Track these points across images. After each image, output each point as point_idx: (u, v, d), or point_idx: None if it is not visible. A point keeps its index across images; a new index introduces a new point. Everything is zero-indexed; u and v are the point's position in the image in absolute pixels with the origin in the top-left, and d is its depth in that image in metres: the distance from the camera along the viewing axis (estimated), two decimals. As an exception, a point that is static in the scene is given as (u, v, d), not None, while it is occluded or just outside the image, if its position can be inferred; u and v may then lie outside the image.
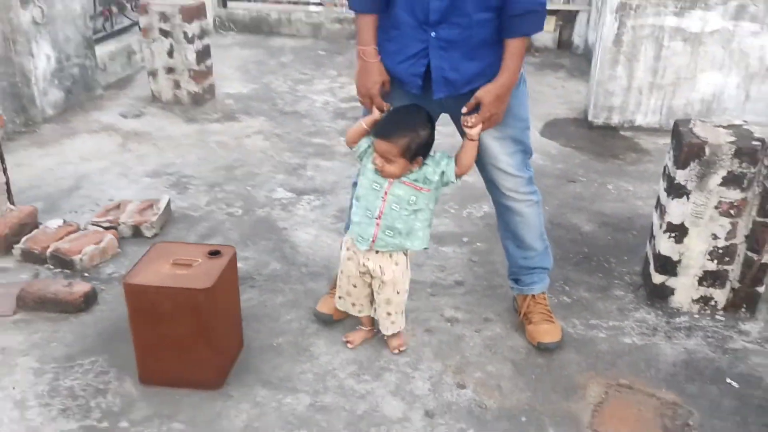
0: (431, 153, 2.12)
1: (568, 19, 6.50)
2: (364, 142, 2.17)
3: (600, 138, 4.38)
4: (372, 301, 2.32)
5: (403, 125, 2.04)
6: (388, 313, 2.28)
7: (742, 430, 2.04)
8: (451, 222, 3.27)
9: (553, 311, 2.50)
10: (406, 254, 2.24)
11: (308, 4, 7.05)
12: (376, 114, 2.14)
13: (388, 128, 2.06)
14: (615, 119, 4.49)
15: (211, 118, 4.60)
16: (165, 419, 2.05)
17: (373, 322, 2.38)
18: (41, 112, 4.33)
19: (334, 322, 2.47)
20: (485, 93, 2.01)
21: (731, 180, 2.37)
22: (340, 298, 2.35)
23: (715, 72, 4.30)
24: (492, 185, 2.31)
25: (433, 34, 2.01)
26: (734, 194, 2.39)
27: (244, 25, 6.80)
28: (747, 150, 2.33)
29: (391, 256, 2.20)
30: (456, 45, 2.02)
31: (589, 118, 4.55)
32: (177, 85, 4.72)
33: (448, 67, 2.05)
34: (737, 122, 2.50)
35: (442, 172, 2.10)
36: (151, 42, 4.63)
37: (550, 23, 6.48)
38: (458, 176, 2.13)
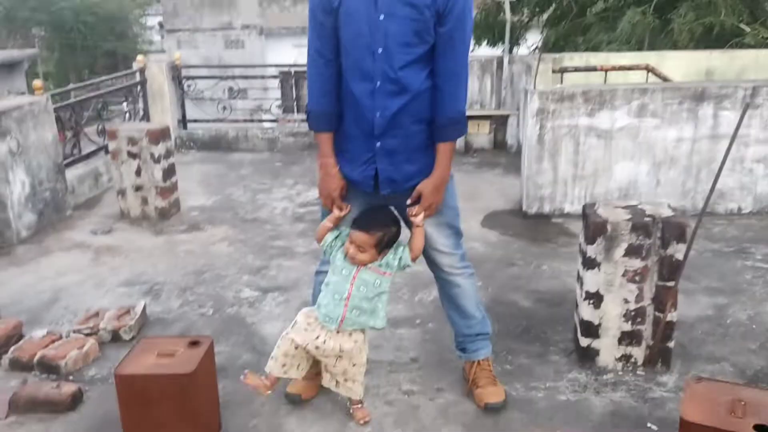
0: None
1: (501, 122, 7.18)
2: (330, 237, 2.56)
3: (534, 226, 4.87)
4: (313, 364, 2.63)
5: (380, 222, 2.45)
6: (345, 379, 2.59)
7: (660, 464, 2.37)
8: (404, 307, 3.63)
9: (498, 377, 2.83)
10: (363, 332, 2.58)
11: (262, 121, 7.62)
12: (337, 213, 2.53)
13: (367, 223, 2.45)
14: (546, 208, 5.00)
15: (178, 230, 4.94)
16: (154, 498, 2.27)
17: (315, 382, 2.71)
18: (16, 234, 4.62)
19: (303, 401, 2.75)
20: (424, 186, 2.45)
21: (632, 251, 2.81)
22: (273, 359, 2.58)
23: (628, 162, 4.89)
24: (434, 264, 2.71)
25: (378, 144, 2.45)
26: (636, 263, 2.83)
27: (204, 144, 7.29)
28: (641, 225, 2.79)
29: (350, 334, 2.54)
30: (397, 152, 2.45)
31: (524, 208, 5.06)
32: (145, 201, 5.08)
33: (392, 170, 2.47)
34: (633, 203, 2.98)
35: (400, 258, 2.50)
36: (120, 164, 5.03)
37: (485, 127, 7.16)
38: (413, 260, 2.53)
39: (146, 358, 2.42)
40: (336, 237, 2.54)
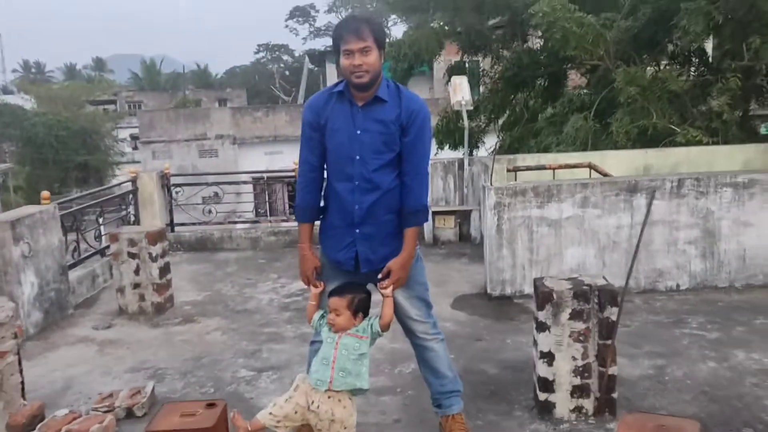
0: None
1: (464, 217, 7.87)
2: (316, 316, 3.06)
3: (498, 306, 5.42)
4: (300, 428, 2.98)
5: (349, 289, 2.94)
6: None
7: (608, 490, 2.83)
8: (386, 378, 4.09)
9: (470, 431, 3.29)
10: (351, 398, 2.99)
11: (245, 222, 8.20)
12: (314, 291, 3.07)
13: (339, 290, 2.95)
14: (507, 290, 5.57)
15: (174, 323, 5.37)
16: None
17: None
18: (25, 331, 4.99)
19: (302, 456, 3.16)
20: (393, 264, 2.97)
21: (575, 315, 3.37)
22: (272, 415, 2.90)
23: (576, 247, 5.54)
24: (410, 332, 3.22)
25: (357, 231, 3.01)
26: (579, 325, 3.38)
27: (191, 245, 7.80)
28: (581, 293, 3.37)
29: (340, 400, 2.94)
30: (373, 237, 3.01)
31: (488, 291, 5.63)
32: (142, 297, 5.53)
33: (369, 252, 3.02)
34: (574, 276, 3.58)
35: (371, 325, 2.95)
36: (120, 263, 5.51)
37: (450, 221, 7.83)
38: (383, 327, 2.93)
39: (172, 418, 2.85)
40: (321, 316, 3.02)
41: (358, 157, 2.94)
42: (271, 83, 51.64)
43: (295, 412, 2.92)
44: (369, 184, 2.95)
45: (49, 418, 3.57)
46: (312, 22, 53.85)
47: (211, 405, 2.93)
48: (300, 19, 53.86)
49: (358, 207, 2.97)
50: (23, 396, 3.66)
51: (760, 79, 8.07)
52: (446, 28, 12.04)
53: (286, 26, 51.57)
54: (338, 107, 2.97)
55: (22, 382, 3.66)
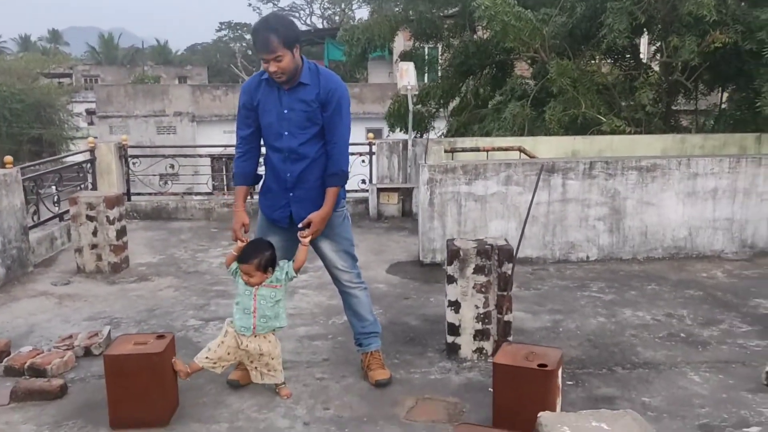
0: (278, 263, 3.49)
1: (407, 194, 8.44)
2: (234, 265, 3.51)
3: (428, 272, 6.01)
4: (234, 364, 3.59)
5: (254, 252, 3.41)
6: (268, 370, 3.52)
7: (489, 411, 3.43)
8: (320, 327, 4.63)
9: (388, 367, 3.85)
10: (273, 333, 3.53)
11: (198, 194, 8.61)
12: (238, 245, 3.49)
13: (245, 256, 3.41)
14: (437, 258, 6.16)
15: (129, 281, 5.82)
16: (132, 444, 3.15)
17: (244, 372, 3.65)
18: (-12, 283, 5.38)
19: (241, 385, 3.69)
20: (314, 216, 3.47)
21: (478, 270, 3.96)
22: (207, 358, 3.45)
23: (500, 220, 6.15)
24: (338, 281, 3.77)
25: (291, 194, 3.55)
26: (482, 279, 3.97)
27: (146, 214, 8.20)
28: (483, 251, 3.96)
29: (265, 337, 3.47)
30: (304, 199, 3.54)
31: (420, 259, 6.21)
32: (99, 257, 5.95)
33: (302, 212, 3.53)
34: (480, 237, 4.17)
35: (286, 272, 3.47)
36: (79, 225, 5.91)
37: (394, 198, 8.39)
38: (296, 271, 3.48)
39: (126, 345, 3.34)
40: (237, 266, 3.47)
41: (286, 133, 3.46)
42: (232, 62, 51.32)
43: (228, 353, 3.47)
44: (297, 155, 3.47)
45: (15, 353, 4.02)
46: (275, 2, 53.58)
47: (160, 336, 3.42)
48: (263, -3, 53.50)
49: (289, 174, 3.50)
50: (-9, 334, 4.09)
51: (677, 76, 8.78)
52: (402, 14, 12.51)
53: (249, 5, 51.21)
54: (267, 91, 3.47)
55: (-10, 322, 4.09)
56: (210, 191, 8.42)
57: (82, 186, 7.79)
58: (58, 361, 3.91)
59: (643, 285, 5.52)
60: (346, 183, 3.63)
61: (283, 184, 3.53)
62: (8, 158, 6.04)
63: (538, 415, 1.91)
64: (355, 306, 3.79)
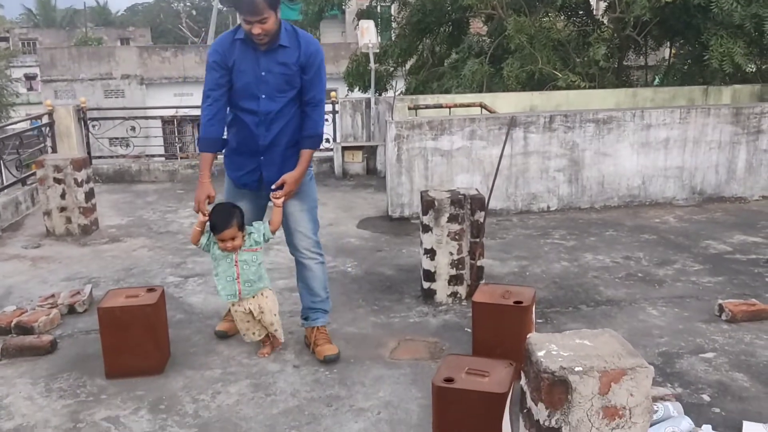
0: (252, 225, 3.44)
1: (371, 152, 8.57)
2: (203, 239, 3.39)
3: (397, 225, 6.20)
4: (262, 327, 3.54)
5: (228, 214, 3.31)
6: (275, 329, 3.55)
7: (469, 347, 3.65)
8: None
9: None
10: (270, 289, 3.59)
11: (158, 156, 8.56)
12: (201, 218, 3.34)
13: (222, 223, 3.29)
14: (406, 212, 6.35)
15: (101, 242, 5.84)
16: (129, 391, 3.27)
17: (268, 337, 3.62)
18: (-43, 249, 5.33)
19: (228, 336, 3.83)
20: (288, 176, 3.37)
21: (452, 218, 4.16)
22: (244, 335, 3.53)
23: (465, 174, 6.35)
24: (294, 248, 3.60)
25: (262, 158, 3.43)
26: (455, 227, 4.17)
27: (109, 177, 8.13)
28: (456, 200, 4.15)
29: (262, 294, 3.48)
30: (276, 162, 3.43)
31: (389, 213, 6.39)
32: (69, 220, 5.93)
33: (273, 175, 3.42)
34: (453, 188, 4.36)
35: (263, 234, 3.43)
36: (47, 188, 5.87)
37: (358, 156, 8.51)
38: (273, 232, 3.45)
39: (118, 298, 3.43)
40: (208, 238, 3.37)
41: (263, 96, 3.33)
42: (177, 23, 49.88)
43: (248, 321, 3.49)
44: (272, 118, 3.35)
45: (0, 313, 4.06)
46: (220, -40, 51.99)
47: (151, 290, 3.52)
48: (208, -45, 51.83)
49: (262, 137, 3.37)
50: (-27, 295, 4.11)
51: (629, 31, 9.07)
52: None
53: (193, -37, 49.67)
54: (243, 50, 3.30)
55: (-28, 283, 4.10)
56: (166, 154, 8.35)
57: (42, 150, 7.66)
58: (44, 319, 3.97)
59: (602, 231, 5.83)
60: (320, 146, 3.61)
61: (255, 147, 3.41)
62: (-32, 122, 5.91)
63: (528, 335, 2.11)
64: (308, 279, 3.64)
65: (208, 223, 3.36)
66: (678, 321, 3.98)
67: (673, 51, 10.97)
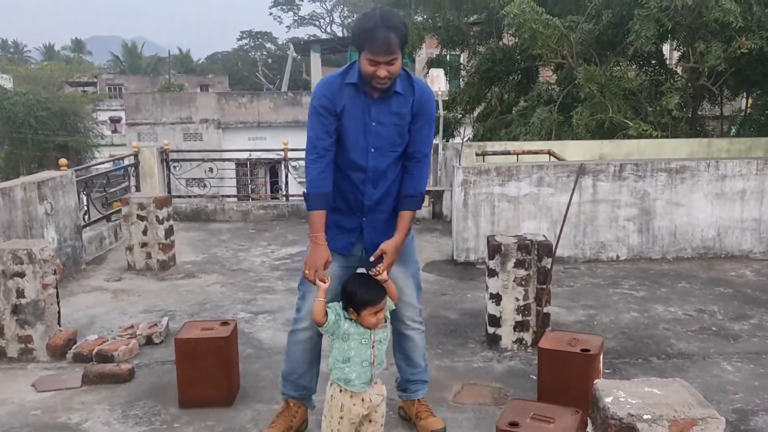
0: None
1: (438, 197, 8.67)
2: (332, 316, 2.74)
3: (462, 270, 6.23)
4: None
5: (376, 287, 2.77)
6: (382, 422, 2.85)
7: (534, 394, 3.62)
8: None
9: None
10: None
11: (232, 196, 8.90)
12: (322, 286, 2.77)
13: (379, 292, 2.75)
14: (471, 257, 6.37)
15: (177, 277, 6.10)
16: (201, 421, 3.40)
17: None
18: (46, 279, 5.67)
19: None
20: (387, 246, 2.89)
21: (519, 264, 4.17)
22: None
23: (532, 221, 6.35)
24: (396, 318, 3.10)
25: (364, 219, 3.00)
26: (522, 272, 4.18)
27: (186, 215, 8.50)
28: (523, 246, 4.17)
29: (377, 381, 2.84)
30: (379, 225, 3.01)
31: (454, 258, 6.43)
32: (149, 255, 6.23)
33: (375, 238, 2.98)
34: (520, 234, 4.38)
35: (386, 306, 2.81)
36: (130, 225, 6.21)
37: (425, 201, 8.61)
38: (393, 301, 2.88)
39: (193, 331, 3.59)
40: (336, 314, 2.75)
41: (372, 150, 2.90)
42: (253, 70, 52.01)
43: (352, 423, 2.76)
44: (381, 176, 2.94)
45: (82, 341, 4.31)
46: (296, 11, 54.26)
47: (224, 323, 3.67)
48: (284, 7, 54.19)
49: (368, 196, 2.96)
50: (59, 323, 4.37)
51: (703, 81, 8.93)
52: (429, 21, 12.78)
53: (270, 14, 51.93)
54: (353, 97, 2.88)
55: (59, 312, 4.37)
56: (239, 195, 8.70)
57: (127, 189, 8.11)
58: (123, 348, 4.18)
59: (674, 283, 5.69)
60: (421, 206, 3.12)
61: (358, 207, 2.99)
62: (63, 161, 6.36)
63: (594, 382, 2.11)
64: (408, 350, 3.24)
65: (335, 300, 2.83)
66: (754, 377, 3.83)
67: (749, 101, 10.69)
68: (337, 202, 2.98)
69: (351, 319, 2.75)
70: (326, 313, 2.74)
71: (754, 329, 4.59)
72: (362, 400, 2.74)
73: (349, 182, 2.97)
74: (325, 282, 2.78)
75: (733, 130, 10.91)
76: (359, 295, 2.74)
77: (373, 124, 2.89)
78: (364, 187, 2.96)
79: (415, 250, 3.21)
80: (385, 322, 2.81)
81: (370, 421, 2.80)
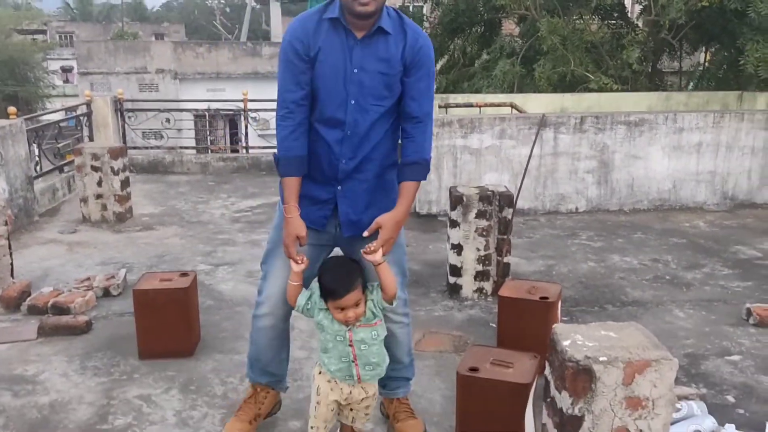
0: (367, 288, 2.43)
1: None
2: (302, 300, 2.43)
3: (425, 222, 6.25)
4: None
5: (349, 277, 2.34)
6: (366, 414, 2.58)
7: (493, 341, 3.69)
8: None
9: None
10: None
11: (191, 148, 8.72)
12: (295, 267, 2.42)
13: (344, 284, 2.31)
14: (434, 209, 6.39)
15: (135, 230, 5.98)
16: (161, 371, 3.37)
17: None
18: (-3, 231, 5.50)
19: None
20: (386, 219, 2.38)
21: (480, 214, 4.19)
22: (312, 428, 2.49)
23: (494, 173, 6.37)
24: None
25: (339, 188, 2.48)
26: (483, 223, 4.21)
27: (143, 167, 8.30)
28: (485, 197, 4.18)
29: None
30: (358, 196, 2.49)
31: (417, 209, 6.43)
32: (104, 207, 6.08)
33: (352, 212, 2.48)
34: (481, 184, 4.39)
35: (376, 303, 2.40)
36: (84, 176, 6.03)
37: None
38: (389, 300, 2.41)
39: (152, 282, 3.53)
40: (308, 298, 2.44)
41: (353, 102, 2.41)
42: (211, 20, 50.50)
43: (332, 410, 2.51)
44: (362, 134, 2.44)
45: (37, 293, 4.21)
46: (255, -42, 52.56)
47: (184, 274, 3.61)
48: (243, -47, 52.41)
49: (345, 161, 2.46)
50: (12, 275, 4.26)
51: (664, 34, 8.99)
52: (390, -29, 12.51)
53: (228, -39, 50.29)
54: (331, 37, 2.40)
55: (12, 264, 4.25)
56: (198, 147, 8.52)
57: (79, 139, 7.85)
58: (80, 300, 4.09)
59: (630, 234, 5.81)
60: (426, 176, 2.56)
61: (332, 172, 2.49)
62: (12, 109, 6.11)
63: (553, 326, 2.15)
64: (390, 345, 2.65)
65: (312, 279, 2.49)
66: (705, 324, 3.96)
67: (708, 56, 10.83)
68: (311, 169, 2.50)
69: (326, 309, 2.40)
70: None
71: (706, 278, 4.73)
72: (341, 389, 2.46)
73: (323, 143, 2.47)
74: (299, 263, 2.43)
75: (691, 85, 11.05)
76: (323, 282, 2.39)
77: (355, 70, 2.40)
78: (341, 149, 2.45)
79: (403, 232, 2.61)
80: (374, 318, 2.42)
81: (351, 409, 2.55)
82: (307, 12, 2.48)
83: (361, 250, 2.38)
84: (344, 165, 2.46)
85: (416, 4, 14.19)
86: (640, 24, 10.35)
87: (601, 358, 1.94)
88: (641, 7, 10.25)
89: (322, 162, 2.48)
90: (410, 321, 2.79)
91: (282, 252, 2.51)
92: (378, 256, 2.34)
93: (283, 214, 2.52)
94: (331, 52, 2.40)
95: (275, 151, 2.55)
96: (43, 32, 46.83)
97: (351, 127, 2.43)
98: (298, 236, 2.44)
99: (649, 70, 9.99)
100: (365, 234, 2.42)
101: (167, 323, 3.45)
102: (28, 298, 4.13)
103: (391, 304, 2.44)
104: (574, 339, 2.05)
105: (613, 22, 10.45)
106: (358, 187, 2.49)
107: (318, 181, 2.51)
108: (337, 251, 2.66)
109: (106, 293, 4.36)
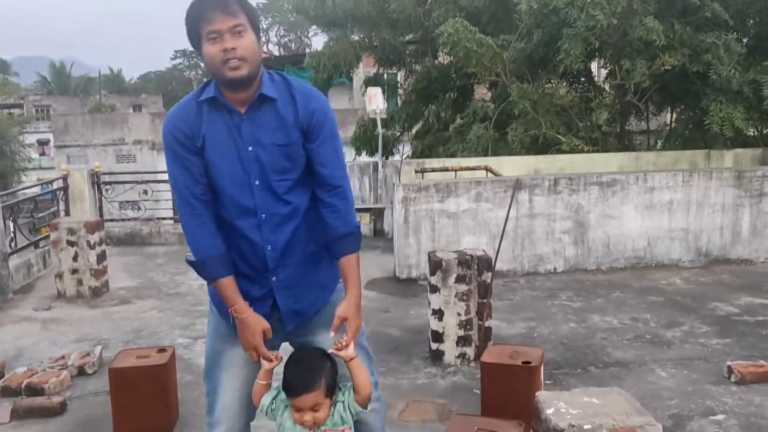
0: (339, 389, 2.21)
1: (378, 214, 8.69)
2: (267, 399, 2.21)
3: (405, 286, 6.24)
4: None
5: (313, 370, 2.13)
6: None
7: (478, 408, 3.64)
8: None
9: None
10: None
11: (168, 218, 8.69)
12: (266, 365, 2.18)
13: (304, 382, 2.11)
14: (413, 273, 6.40)
15: (111, 304, 5.89)
16: (138, 453, 3.27)
17: None
18: (-31, 310, 5.39)
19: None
20: (346, 309, 2.16)
21: (460, 279, 4.21)
22: None
23: (471, 236, 6.43)
24: None
25: (273, 278, 2.22)
26: (463, 287, 4.22)
27: (120, 240, 8.24)
28: (464, 261, 4.21)
29: None
30: (296, 281, 2.24)
31: (396, 274, 6.44)
32: (80, 282, 6.00)
33: (293, 302, 2.25)
34: (460, 249, 4.42)
35: (348, 405, 2.18)
36: (60, 251, 5.97)
37: (366, 218, 8.62)
38: (361, 403, 2.18)
39: (128, 359, 3.47)
40: (274, 398, 2.22)
41: (257, 182, 2.18)
42: (188, 90, 51.19)
43: None
44: (279, 215, 2.21)
45: (10, 374, 4.10)
46: (231, 30, 53.77)
47: (161, 350, 3.56)
48: (219, 26, 53.63)
49: (270, 247, 2.21)
50: (-15, 356, 4.15)
51: (630, 97, 9.30)
52: (365, 41, 12.87)
53: (205, 33, 51.31)
54: (214, 120, 2.16)
55: (-16, 344, 4.15)
56: (175, 217, 8.50)
57: (55, 213, 7.80)
58: (54, 380, 3.99)
59: (608, 293, 5.85)
60: (360, 244, 2.32)
61: (261, 263, 2.23)
62: (-13, 186, 6.07)
63: (536, 394, 2.14)
64: None
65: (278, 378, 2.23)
66: (687, 383, 3.96)
67: (674, 116, 11.18)
68: (237, 265, 2.23)
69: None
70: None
71: (686, 336, 4.76)
72: None
73: (240, 235, 2.21)
74: (271, 360, 2.19)
75: (660, 144, 11.35)
76: (284, 375, 2.16)
77: (250, 148, 2.16)
78: (262, 235, 2.20)
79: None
80: (343, 424, 2.18)
81: None
82: (184, 99, 2.26)
83: (332, 348, 2.16)
84: (271, 252, 2.22)
85: (389, 71, 14.53)
86: (606, 88, 10.69)
87: (585, 426, 1.93)
88: (606, 71, 10.61)
89: (247, 255, 2.23)
90: (380, 407, 2.47)
91: (226, 362, 2.31)
92: (350, 351, 2.15)
93: (215, 320, 2.38)
94: (217, 136, 2.16)
95: (188, 254, 2.25)
96: (20, 106, 47.02)
97: (263, 210, 2.20)
98: (263, 331, 2.19)
99: (618, 130, 10.27)
100: (331, 334, 2.17)
101: (144, 402, 3.37)
102: (1, 380, 4.03)
103: (365, 408, 2.20)
104: (558, 406, 2.05)
105: (580, 86, 10.79)
106: (293, 272, 2.25)
107: (249, 277, 2.24)
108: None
109: (81, 372, 4.26)
